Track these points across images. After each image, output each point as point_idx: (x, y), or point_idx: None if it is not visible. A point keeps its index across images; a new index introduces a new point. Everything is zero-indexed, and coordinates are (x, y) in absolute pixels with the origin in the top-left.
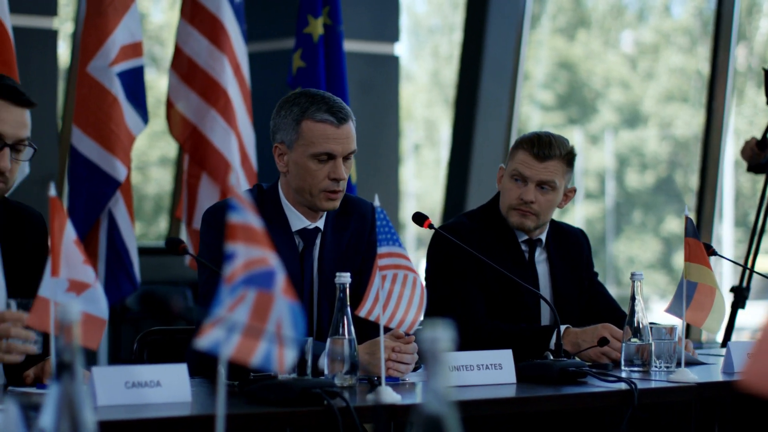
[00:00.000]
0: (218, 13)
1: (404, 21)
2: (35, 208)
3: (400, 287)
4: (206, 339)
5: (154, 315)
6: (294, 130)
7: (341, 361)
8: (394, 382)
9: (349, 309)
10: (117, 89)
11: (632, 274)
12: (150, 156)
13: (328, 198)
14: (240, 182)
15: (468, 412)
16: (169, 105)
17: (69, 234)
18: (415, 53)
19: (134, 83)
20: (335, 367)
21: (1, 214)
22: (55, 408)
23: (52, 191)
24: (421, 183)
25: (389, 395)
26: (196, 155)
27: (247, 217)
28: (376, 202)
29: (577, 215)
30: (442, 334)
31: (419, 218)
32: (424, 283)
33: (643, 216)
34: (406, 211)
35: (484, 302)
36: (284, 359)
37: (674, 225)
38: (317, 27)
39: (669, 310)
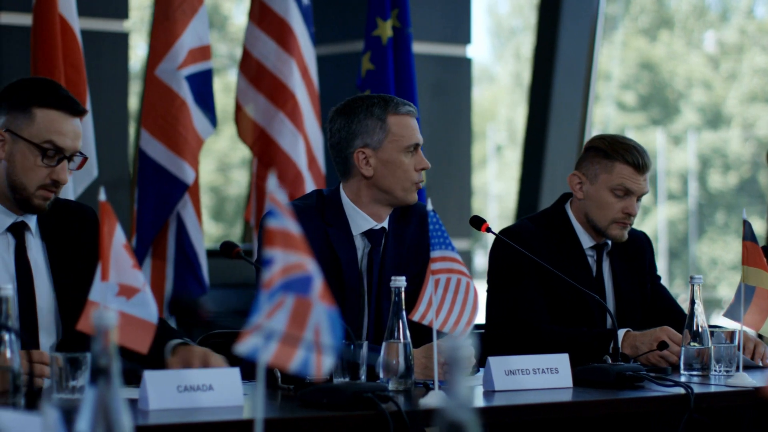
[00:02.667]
0: (286, 15)
1: (486, 22)
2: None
3: (453, 291)
4: (245, 345)
5: (182, 320)
6: (381, 129)
7: (396, 365)
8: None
9: (404, 313)
10: (185, 92)
11: (691, 278)
12: (231, 158)
13: (417, 189)
14: (305, 185)
15: (523, 416)
16: (238, 108)
17: (118, 238)
18: (497, 54)
19: (203, 86)
20: (390, 371)
21: (49, 215)
22: (90, 412)
23: (102, 196)
24: (504, 185)
25: (442, 400)
26: (264, 158)
27: (285, 222)
28: (429, 206)
29: (659, 216)
30: (463, 341)
31: (477, 222)
32: (476, 287)
33: (726, 217)
34: (487, 214)
35: (545, 306)
36: (322, 365)
37: (757, 226)
38: (386, 29)
39: (727, 314)
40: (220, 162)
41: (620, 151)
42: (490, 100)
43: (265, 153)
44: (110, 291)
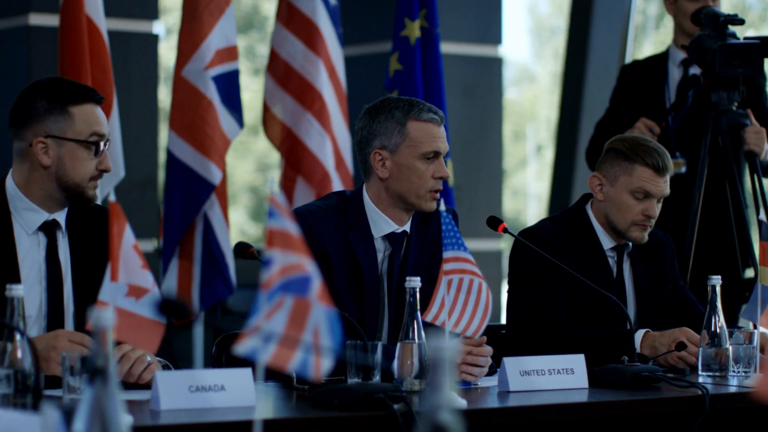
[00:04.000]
0: (314, 16)
1: (527, 22)
2: (135, 211)
3: (466, 292)
4: (244, 346)
5: (170, 320)
6: (399, 132)
7: (410, 365)
8: (466, 387)
9: (419, 313)
10: (212, 93)
11: (708, 278)
12: (271, 158)
13: (434, 198)
14: (332, 186)
15: (538, 417)
16: (265, 109)
17: (128, 239)
18: (538, 54)
19: (229, 87)
20: (404, 371)
21: (76, 216)
22: (86, 413)
23: (112, 196)
24: (544, 184)
25: (454, 400)
26: (291, 159)
27: (283, 223)
28: (442, 207)
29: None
30: (446, 343)
31: (493, 222)
32: (488, 288)
33: None
34: (526, 214)
35: (566, 307)
36: (321, 366)
37: None
38: (414, 30)
39: (744, 315)
40: (259, 162)
41: (640, 154)
42: (531, 100)
43: (293, 154)
44: (120, 291)
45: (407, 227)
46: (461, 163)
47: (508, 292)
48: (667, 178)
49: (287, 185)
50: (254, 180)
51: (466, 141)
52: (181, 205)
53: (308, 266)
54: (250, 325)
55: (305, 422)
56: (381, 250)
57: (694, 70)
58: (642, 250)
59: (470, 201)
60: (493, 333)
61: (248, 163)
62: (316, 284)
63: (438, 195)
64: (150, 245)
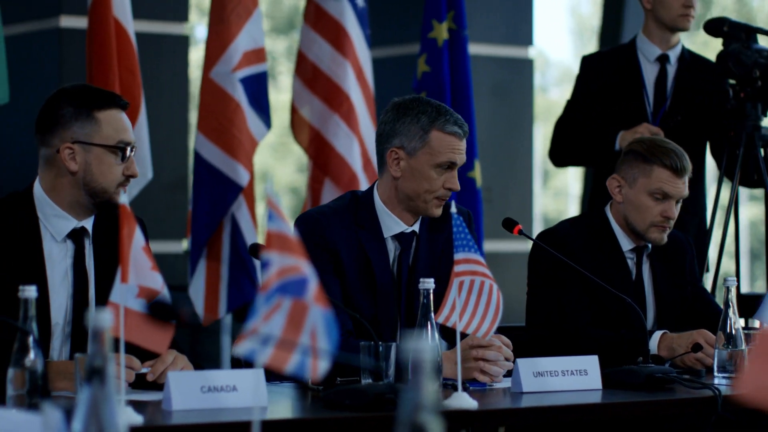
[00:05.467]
0: (341, 18)
1: (569, 23)
2: (165, 212)
3: (477, 294)
4: (242, 348)
5: (164, 323)
6: (420, 138)
7: None
8: (480, 388)
9: (432, 314)
10: (240, 95)
11: (725, 280)
12: None
13: (439, 205)
14: (360, 187)
15: (551, 418)
16: (293, 110)
17: (138, 240)
18: (579, 55)
19: (257, 89)
20: None
21: (102, 220)
22: (83, 413)
23: (123, 198)
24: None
25: (465, 401)
26: (319, 160)
27: (281, 225)
28: (453, 209)
29: (742, 216)
30: (425, 344)
31: (509, 224)
32: (499, 290)
33: None
34: (567, 214)
35: (587, 309)
36: (318, 368)
37: None
38: (442, 31)
39: (757, 316)
40: (299, 163)
41: (658, 155)
42: None
43: (320, 155)
44: (130, 293)
45: (416, 227)
46: (491, 164)
47: (528, 294)
48: (686, 179)
49: (315, 187)
50: (294, 181)
51: (496, 142)
52: (208, 206)
53: (305, 268)
54: (248, 327)
55: (315, 423)
56: (391, 250)
57: (671, 68)
58: (661, 251)
59: (501, 203)
60: (513, 335)
61: (289, 164)
62: (313, 286)
63: (444, 203)
64: (180, 246)
